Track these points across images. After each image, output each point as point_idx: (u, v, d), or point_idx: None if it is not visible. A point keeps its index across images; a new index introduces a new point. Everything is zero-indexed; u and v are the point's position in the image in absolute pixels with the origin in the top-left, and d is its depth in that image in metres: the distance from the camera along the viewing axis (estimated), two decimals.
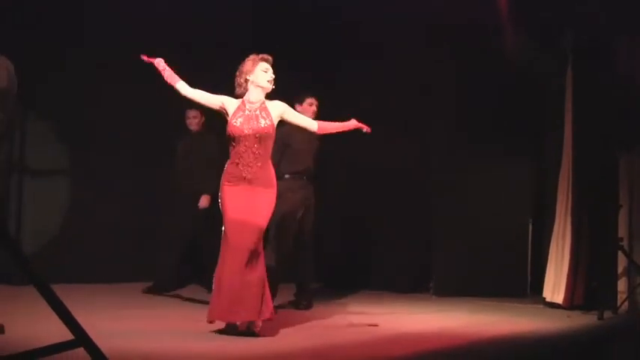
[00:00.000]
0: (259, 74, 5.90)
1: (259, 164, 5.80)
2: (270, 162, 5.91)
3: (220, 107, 5.93)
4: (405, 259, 9.07)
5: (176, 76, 5.93)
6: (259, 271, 5.75)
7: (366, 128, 6.24)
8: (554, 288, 8.06)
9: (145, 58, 5.95)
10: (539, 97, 9.10)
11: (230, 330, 5.77)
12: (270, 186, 5.85)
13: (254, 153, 5.80)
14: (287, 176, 6.88)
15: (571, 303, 7.92)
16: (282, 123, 6.04)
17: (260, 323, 5.77)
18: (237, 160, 5.82)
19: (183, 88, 5.92)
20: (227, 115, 5.90)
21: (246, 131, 5.79)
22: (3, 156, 6.79)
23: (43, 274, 3.99)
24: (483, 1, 8.48)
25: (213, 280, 5.78)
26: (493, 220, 8.77)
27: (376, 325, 6.51)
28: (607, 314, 7.42)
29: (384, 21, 9.09)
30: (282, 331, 6.01)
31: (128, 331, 5.73)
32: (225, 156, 5.95)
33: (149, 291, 8.11)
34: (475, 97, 8.78)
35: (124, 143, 8.79)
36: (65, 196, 8.54)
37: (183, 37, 8.77)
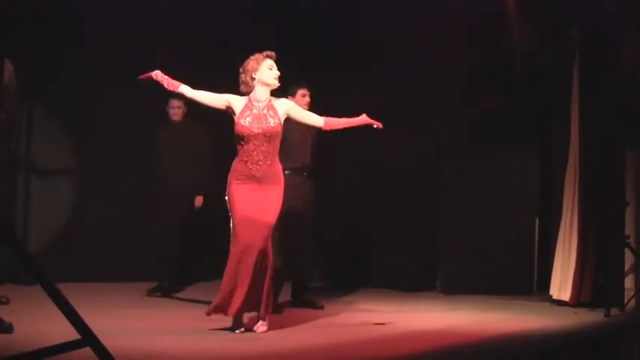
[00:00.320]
0: (265, 72, 5.89)
1: (268, 162, 5.82)
2: (277, 159, 5.92)
3: (227, 107, 5.92)
4: (411, 257, 9.04)
5: (176, 81, 5.91)
6: (269, 268, 5.74)
7: (377, 124, 6.19)
8: (561, 285, 8.03)
9: (141, 77, 5.92)
10: (545, 93, 9.06)
11: (236, 327, 5.75)
12: (278, 183, 5.86)
13: (263, 152, 5.81)
14: (287, 172, 6.85)
15: (578, 300, 7.88)
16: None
17: (266, 321, 5.75)
18: (245, 159, 5.82)
19: (186, 91, 5.92)
20: (234, 113, 5.87)
21: (255, 130, 5.79)
22: (5, 155, 6.76)
23: (48, 273, 3.98)
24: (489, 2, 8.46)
25: (223, 277, 5.75)
26: (499, 217, 8.74)
27: (383, 324, 6.50)
28: (614, 311, 7.39)
29: (384, 21, 9.07)
30: (288, 330, 6.02)
31: (132, 330, 5.74)
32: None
33: (153, 292, 8.03)
34: (479, 94, 8.75)
35: (124, 143, 8.76)
36: (69, 196, 8.52)
37: (183, 37, 8.74)
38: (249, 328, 5.76)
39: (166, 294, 7.98)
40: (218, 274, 8.25)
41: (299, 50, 8.94)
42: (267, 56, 5.95)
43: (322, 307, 7.28)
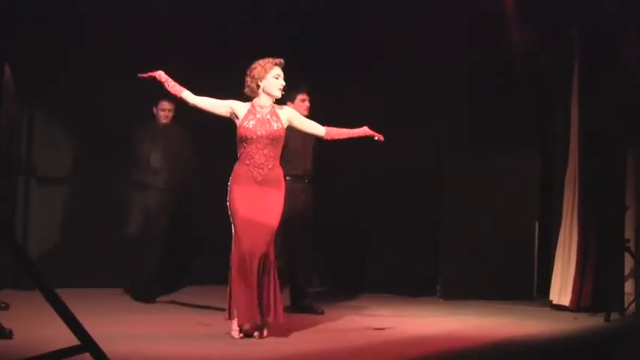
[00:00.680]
0: (271, 81, 5.87)
1: (270, 166, 5.81)
2: (279, 164, 5.90)
3: (230, 113, 5.90)
4: (411, 261, 9.02)
5: (179, 86, 5.87)
6: (272, 273, 5.73)
7: (378, 136, 6.17)
8: (561, 290, 8.03)
9: (143, 75, 5.87)
10: (545, 93, 9.06)
11: (243, 332, 5.73)
12: (279, 188, 5.85)
13: (265, 155, 5.80)
14: (288, 178, 6.83)
15: (578, 305, 7.88)
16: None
17: (267, 326, 5.74)
18: (247, 162, 5.80)
19: (189, 97, 5.87)
20: (237, 118, 5.85)
21: (259, 133, 5.78)
22: (5, 155, 6.74)
23: (47, 278, 3.96)
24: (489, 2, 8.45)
25: (229, 284, 5.74)
26: (499, 222, 8.74)
27: (383, 329, 6.47)
28: (614, 316, 7.40)
29: (384, 21, 9.07)
30: (289, 334, 5.99)
31: (130, 336, 5.70)
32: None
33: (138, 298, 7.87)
34: (479, 94, 8.75)
35: (125, 144, 8.70)
36: (68, 201, 8.46)
37: (183, 37, 8.71)
38: (250, 332, 5.72)
39: (148, 300, 7.81)
40: (210, 279, 8.39)
41: (299, 50, 8.91)
42: (276, 64, 5.90)
43: (322, 313, 7.26)
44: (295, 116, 6.02)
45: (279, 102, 6.12)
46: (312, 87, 7.55)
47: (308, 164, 7.36)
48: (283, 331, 5.94)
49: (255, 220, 5.68)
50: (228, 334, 5.78)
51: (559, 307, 8.00)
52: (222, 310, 5.92)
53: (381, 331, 6.41)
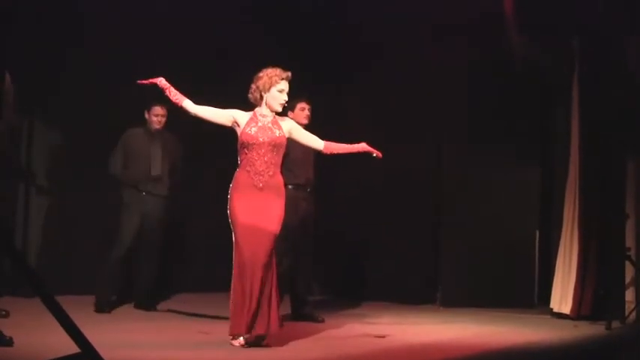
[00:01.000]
0: (275, 95, 5.85)
1: (270, 173, 5.80)
2: (279, 172, 5.88)
3: (232, 122, 5.88)
4: (411, 269, 9.00)
5: (181, 94, 5.84)
6: (273, 282, 5.72)
7: (376, 153, 6.15)
8: (562, 298, 8.01)
9: (143, 82, 5.84)
10: (545, 94, 9.04)
11: (248, 342, 5.72)
12: (280, 196, 5.83)
13: (266, 162, 5.79)
14: (290, 187, 6.82)
15: (578, 313, 7.87)
16: None
17: (270, 334, 5.72)
18: (248, 168, 5.79)
19: (190, 107, 5.84)
20: (238, 126, 5.85)
21: (261, 139, 5.78)
22: (5, 156, 6.72)
23: (47, 285, 3.94)
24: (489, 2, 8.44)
25: (230, 293, 5.71)
26: (499, 229, 8.72)
27: (383, 337, 6.46)
28: (615, 324, 7.38)
29: (384, 21, 9.07)
30: (290, 343, 5.97)
31: (130, 343, 5.69)
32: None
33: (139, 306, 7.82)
34: (479, 94, 8.75)
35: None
36: (68, 206, 8.42)
37: (183, 37, 8.70)
38: (251, 341, 5.70)
39: (149, 308, 7.75)
40: (210, 286, 8.37)
41: (299, 50, 8.90)
42: (282, 78, 5.87)
43: (323, 321, 7.24)
44: (295, 128, 6.02)
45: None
46: (312, 87, 7.54)
47: (310, 173, 7.35)
48: (282, 340, 5.91)
49: (255, 228, 5.66)
50: (229, 342, 5.76)
51: (560, 315, 7.98)
52: (222, 318, 5.90)
53: (381, 339, 6.40)
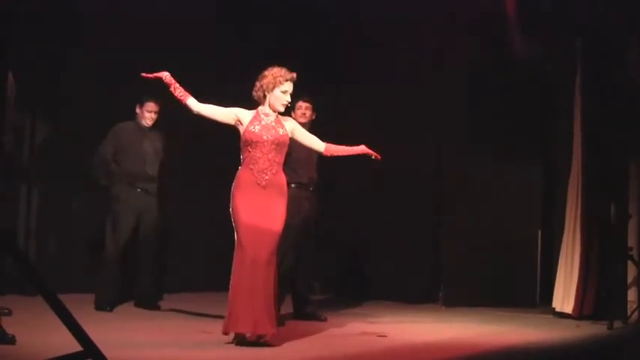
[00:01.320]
0: (278, 96, 5.83)
1: (273, 171, 5.79)
2: (282, 170, 5.87)
3: (235, 121, 5.85)
4: (413, 268, 9.00)
5: (186, 92, 5.80)
6: (274, 282, 5.70)
7: (375, 155, 6.14)
8: (564, 298, 8.01)
9: (147, 75, 5.80)
10: (545, 94, 9.04)
11: (239, 340, 5.69)
12: (282, 195, 5.81)
13: (269, 160, 5.77)
14: (292, 186, 6.81)
15: (580, 313, 7.87)
16: None
17: (270, 333, 5.70)
18: (251, 166, 5.77)
19: (194, 105, 5.80)
20: (241, 125, 5.83)
21: (264, 137, 5.76)
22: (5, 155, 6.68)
23: (50, 284, 3.93)
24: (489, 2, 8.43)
25: (229, 291, 5.68)
26: (502, 229, 8.72)
27: (385, 336, 6.45)
28: (617, 324, 7.38)
29: (384, 21, 9.07)
30: (292, 342, 5.95)
31: (132, 342, 5.67)
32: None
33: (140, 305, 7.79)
34: (479, 94, 8.75)
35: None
36: (71, 206, 8.41)
37: (183, 37, 8.70)
38: (252, 340, 5.68)
39: (148, 307, 7.71)
40: (212, 285, 8.35)
41: (299, 50, 8.90)
42: (287, 79, 5.84)
43: (325, 320, 7.24)
44: (297, 129, 6.01)
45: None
46: (312, 87, 7.52)
47: (313, 172, 7.34)
48: (284, 338, 5.90)
49: (258, 226, 5.64)
50: (230, 342, 5.74)
51: (562, 315, 7.98)
52: (224, 317, 5.87)
53: (383, 338, 6.39)
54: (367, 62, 9.36)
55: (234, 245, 5.74)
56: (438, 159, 9.12)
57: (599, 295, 7.84)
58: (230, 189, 5.84)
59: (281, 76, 5.83)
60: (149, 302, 7.71)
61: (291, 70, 5.91)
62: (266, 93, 5.84)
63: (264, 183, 5.75)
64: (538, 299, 8.90)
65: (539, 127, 9.14)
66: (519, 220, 8.86)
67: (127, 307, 7.65)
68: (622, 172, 8.04)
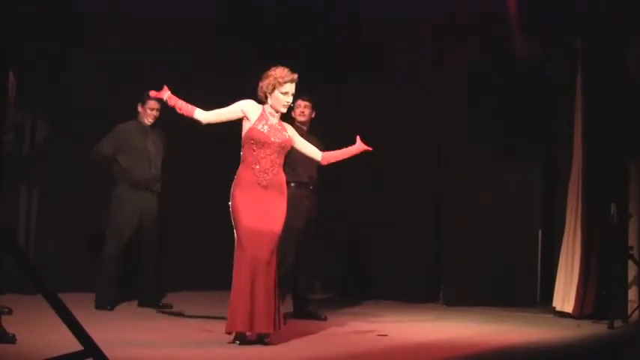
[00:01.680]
0: (278, 97, 5.82)
1: (274, 171, 5.80)
2: (282, 170, 5.87)
3: (242, 115, 5.83)
4: (414, 268, 9.01)
5: (190, 105, 5.79)
6: (274, 281, 5.69)
7: (367, 148, 6.18)
8: (564, 297, 8.01)
9: (153, 94, 5.86)
10: (545, 94, 9.04)
11: (240, 339, 5.69)
12: (282, 194, 5.81)
13: (272, 161, 5.78)
14: (292, 185, 6.82)
15: (581, 312, 7.88)
16: None
17: (270, 332, 5.70)
18: (254, 166, 5.76)
19: (201, 116, 5.79)
20: (248, 120, 5.81)
21: (272, 139, 5.76)
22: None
23: (50, 283, 3.93)
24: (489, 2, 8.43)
25: (232, 290, 5.68)
26: (501, 229, 8.73)
27: (386, 335, 6.44)
28: (617, 323, 7.38)
29: (384, 21, 9.08)
30: (292, 341, 5.95)
31: (132, 342, 5.64)
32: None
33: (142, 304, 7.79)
34: (479, 94, 8.77)
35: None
36: (71, 206, 8.40)
37: (183, 37, 8.69)
38: (253, 339, 5.69)
39: (152, 306, 7.71)
40: (213, 284, 8.34)
41: (299, 50, 8.90)
42: (287, 81, 5.81)
43: (325, 319, 7.24)
44: (296, 137, 6.01)
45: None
46: (312, 87, 7.52)
47: (313, 171, 7.33)
48: (285, 338, 5.90)
49: (258, 226, 5.64)
50: (231, 341, 5.74)
51: (562, 314, 7.99)
52: (225, 317, 5.87)
53: (384, 337, 6.39)
54: (367, 62, 9.36)
55: (234, 244, 5.74)
56: (438, 159, 9.13)
57: (599, 295, 7.84)
58: (230, 188, 5.83)
59: (282, 77, 5.81)
60: (151, 301, 7.71)
61: (293, 70, 5.89)
62: (268, 94, 5.84)
63: (265, 183, 5.74)
64: (538, 299, 8.89)
65: (539, 127, 9.14)
66: (519, 220, 8.86)
67: (128, 306, 7.64)
68: (622, 172, 8.04)
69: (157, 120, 7.79)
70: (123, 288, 7.67)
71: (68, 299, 4.08)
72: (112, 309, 7.38)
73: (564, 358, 6.20)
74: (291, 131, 5.96)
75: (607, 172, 8.04)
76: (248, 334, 5.68)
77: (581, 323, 7.61)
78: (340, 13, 9.53)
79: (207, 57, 8.94)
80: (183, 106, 5.77)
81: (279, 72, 5.83)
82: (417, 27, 8.91)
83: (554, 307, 8.10)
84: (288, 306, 7.31)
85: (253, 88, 5.95)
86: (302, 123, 7.19)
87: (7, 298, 7.15)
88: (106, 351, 3.91)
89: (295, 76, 5.86)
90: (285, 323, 5.94)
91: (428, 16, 8.79)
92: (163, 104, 7.60)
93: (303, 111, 7.31)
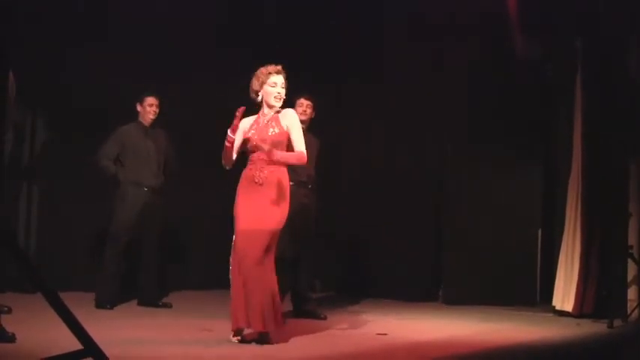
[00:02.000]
0: (268, 90, 5.87)
1: (271, 169, 5.82)
2: (282, 169, 5.88)
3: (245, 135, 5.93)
4: (413, 267, 9.00)
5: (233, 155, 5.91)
6: (269, 279, 5.70)
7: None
8: (564, 296, 8.01)
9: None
10: (545, 94, 9.03)
11: (240, 335, 5.72)
12: (281, 192, 5.81)
13: (263, 159, 5.81)
14: (291, 184, 6.81)
15: (581, 311, 7.87)
16: None
17: (271, 332, 5.70)
18: (251, 165, 5.88)
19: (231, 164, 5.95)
20: (247, 133, 5.92)
21: (259, 141, 5.79)
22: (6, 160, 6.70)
23: (50, 282, 3.94)
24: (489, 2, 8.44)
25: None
26: (502, 228, 8.73)
27: (386, 334, 6.45)
28: (617, 322, 7.37)
29: (384, 21, 9.05)
30: (292, 340, 5.95)
31: (132, 340, 5.66)
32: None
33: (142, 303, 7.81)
34: (479, 95, 8.76)
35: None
36: (71, 206, 8.40)
37: (183, 37, 8.70)
38: (254, 338, 5.71)
39: (152, 304, 7.73)
40: (214, 283, 8.34)
41: (299, 50, 8.90)
42: (270, 73, 5.86)
43: (325, 318, 7.24)
44: (292, 127, 5.97)
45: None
46: (312, 87, 7.53)
47: (311, 170, 7.33)
48: (284, 337, 5.90)
49: (251, 223, 5.69)
50: (231, 339, 5.76)
51: (562, 313, 7.98)
52: (225, 315, 5.88)
53: (383, 336, 6.39)
54: (367, 62, 9.36)
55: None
56: (438, 159, 9.13)
57: (599, 294, 7.84)
58: (230, 188, 5.92)
59: (262, 72, 5.88)
60: (151, 300, 7.71)
61: (276, 64, 5.92)
62: (257, 93, 5.89)
63: (261, 181, 5.79)
64: (538, 298, 8.89)
65: (539, 127, 9.13)
66: (519, 220, 8.85)
67: (128, 305, 7.65)
68: (622, 172, 8.04)
69: (157, 118, 7.80)
70: (123, 287, 7.68)
71: (68, 298, 4.09)
72: (112, 308, 7.39)
73: (564, 357, 6.19)
74: (286, 121, 5.93)
75: (607, 172, 8.04)
76: (248, 332, 5.69)
77: (581, 322, 7.61)
78: (340, 13, 9.53)
79: (207, 57, 8.94)
80: (229, 148, 5.85)
81: (262, 69, 5.90)
82: (417, 27, 8.91)
83: (554, 306, 8.09)
84: (287, 305, 7.32)
85: None
86: (302, 122, 7.19)
87: (7, 296, 7.17)
88: (106, 350, 3.92)
89: (279, 67, 5.91)
90: (284, 322, 5.95)
91: (428, 16, 8.79)
92: (162, 100, 7.68)
93: (305, 110, 7.32)
